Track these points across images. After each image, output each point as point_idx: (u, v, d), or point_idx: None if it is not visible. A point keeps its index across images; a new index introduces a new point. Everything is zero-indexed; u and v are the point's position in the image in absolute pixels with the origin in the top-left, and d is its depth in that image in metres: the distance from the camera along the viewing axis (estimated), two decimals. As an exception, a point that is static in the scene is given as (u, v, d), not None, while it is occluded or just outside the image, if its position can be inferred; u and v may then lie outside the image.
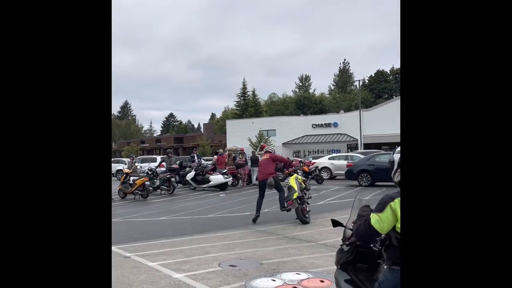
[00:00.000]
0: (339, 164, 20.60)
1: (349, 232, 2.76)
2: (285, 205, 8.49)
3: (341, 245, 2.89)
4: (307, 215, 8.54)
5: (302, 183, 8.92)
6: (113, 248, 6.55)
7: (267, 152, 9.38)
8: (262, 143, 23.46)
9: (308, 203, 8.86)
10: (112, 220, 9.75)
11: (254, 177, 18.12)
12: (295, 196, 8.26)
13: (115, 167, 28.07)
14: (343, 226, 2.87)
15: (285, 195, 8.61)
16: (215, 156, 19.93)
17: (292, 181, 8.64)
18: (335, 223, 2.84)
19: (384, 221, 2.26)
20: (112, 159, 32.84)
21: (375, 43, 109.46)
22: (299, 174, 9.59)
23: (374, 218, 2.30)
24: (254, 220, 8.64)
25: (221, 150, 19.38)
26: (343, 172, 18.38)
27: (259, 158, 18.41)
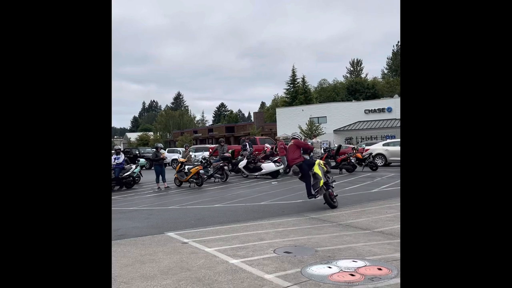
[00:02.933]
0: (394, 150, 19.91)
1: None
2: (313, 192, 8.63)
3: None
4: (334, 200, 8.73)
5: (324, 167, 9.00)
6: (171, 234, 6.81)
7: (293, 138, 9.60)
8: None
9: (333, 187, 9.00)
10: (170, 207, 10.15)
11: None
12: (321, 183, 8.46)
13: (170, 156, 29.06)
14: None
15: (312, 182, 8.70)
16: (266, 145, 19.99)
17: (316, 168, 8.70)
18: None
19: None
20: (167, 149, 34.10)
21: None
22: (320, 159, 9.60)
23: None
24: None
25: (279, 137, 19.46)
26: (399, 158, 17.76)
27: (311, 144, 18.30)
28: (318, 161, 9.09)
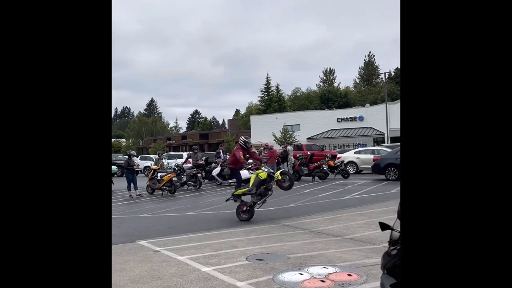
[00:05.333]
0: (366, 158, 20.33)
1: (397, 235, 2.67)
2: (231, 197, 8.80)
3: (388, 249, 2.81)
4: (241, 214, 8.39)
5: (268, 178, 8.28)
6: (143, 242, 6.71)
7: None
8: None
9: (258, 204, 8.36)
10: (141, 215, 10.00)
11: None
12: (237, 192, 8.60)
13: (143, 163, 28.60)
14: (391, 229, 2.76)
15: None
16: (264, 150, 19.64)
17: (253, 176, 8.48)
18: (384, 227, 2.74)
19: None
20: (139, 156, 33.57)
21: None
22: (265, 169, 8.50)
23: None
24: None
25: (271, 145, 19.14)
26: (370, 166, 18.14)
27: (288, 154, 18.42)
28: (260, 170, 8.42)
